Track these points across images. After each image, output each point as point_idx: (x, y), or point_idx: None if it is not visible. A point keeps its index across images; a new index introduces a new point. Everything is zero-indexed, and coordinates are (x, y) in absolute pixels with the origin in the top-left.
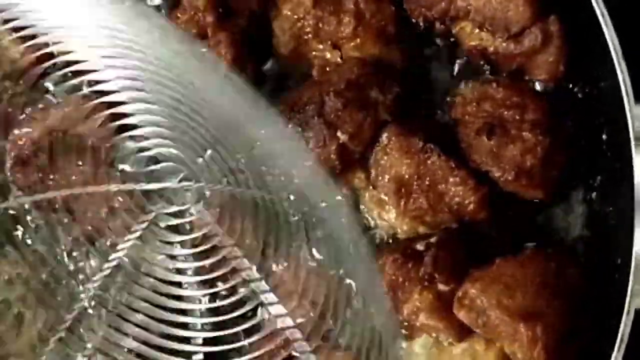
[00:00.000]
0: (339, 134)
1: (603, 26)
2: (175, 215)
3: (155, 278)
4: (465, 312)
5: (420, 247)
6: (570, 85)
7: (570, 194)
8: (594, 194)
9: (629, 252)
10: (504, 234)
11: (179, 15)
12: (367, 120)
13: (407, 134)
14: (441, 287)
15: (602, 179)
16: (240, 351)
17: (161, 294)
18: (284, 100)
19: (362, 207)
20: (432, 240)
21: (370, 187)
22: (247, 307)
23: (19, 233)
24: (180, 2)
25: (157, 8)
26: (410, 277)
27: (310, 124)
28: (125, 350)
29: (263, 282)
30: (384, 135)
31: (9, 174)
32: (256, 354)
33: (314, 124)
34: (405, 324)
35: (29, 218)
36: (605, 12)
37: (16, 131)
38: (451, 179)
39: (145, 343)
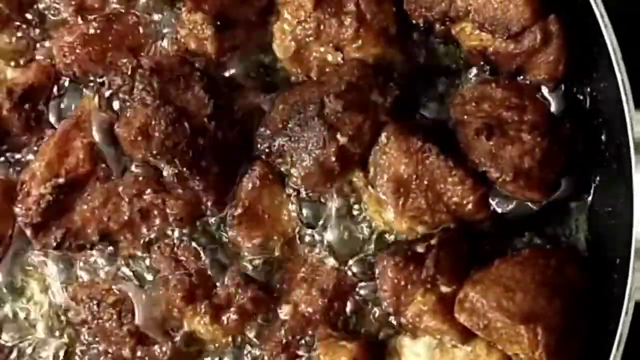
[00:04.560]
0: (338, 136)
1: (602, 27)
2: None
3: None
4: (466, 316)
5: (420, 249)
6: (570, 86)
7: (570, 194)
8: (593, 194)
9: (627, 252)
10: (503, 234)
11: (178, 29)
12: (366, 122)
13: (406, 133)
14: (443, 288)
15: (601, 179)
16: None
17: None
18: (283, 98)
19: (361, 206)
20: (433, 241)
21: (369, 187)
22: None
23: None
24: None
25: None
26: (413, 280)
27: (310, 124)
28: None
29: None
30: (383, 135)
31: None
32: None
33: (314, 125)
34: (410, 326)
35: None
36: (605, 13)
37: None
38: (449, 179)
39: None
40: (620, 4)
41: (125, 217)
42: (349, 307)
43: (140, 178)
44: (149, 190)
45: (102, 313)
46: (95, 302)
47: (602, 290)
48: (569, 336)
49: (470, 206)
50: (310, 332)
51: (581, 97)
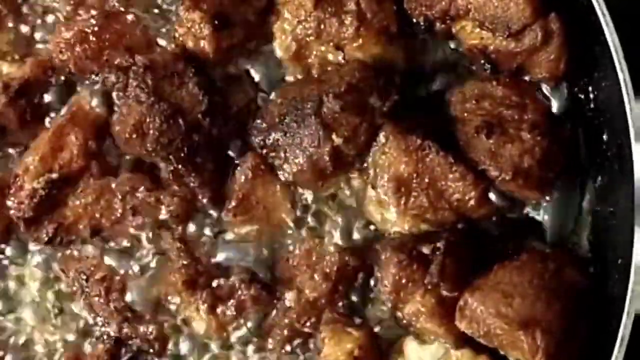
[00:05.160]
0: (334, 136)
1: (604, 26)
2: None
3: None
4: (466, 323)
5: (426, 250)
6: (571, 86)
7: (571, 195)
8: (594, 195)
9: (629, 252)
10: (505, 236)
11: (177, 28)
12: (363, 125)
13: (405, 132)
14: (444, 292)
15: (602, 179)
16: None
17: None
18: (283, 92)
19: (363, 208)
20: (439, 244)
21: (370, 188)
22: None
23: None
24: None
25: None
26: (414, 279)
27: (307, 122)
28: None
29: None
30: (382, 135)
31: None
32: None
33: (310, 123)
34: (405, 322)
35: None
36: (606, 12)
37: None
38: (450, 175)
39: None
40: (622, 2)
41: (118, 214)
42: (354, 292)
43: (134, 175)
44: (142, 188)
45: (90, 288)
46: (84, 276)
47: (603, 291)
48: (570, 337)
49: (472, 202)
50: (315, 318)
51: (582, 97)
